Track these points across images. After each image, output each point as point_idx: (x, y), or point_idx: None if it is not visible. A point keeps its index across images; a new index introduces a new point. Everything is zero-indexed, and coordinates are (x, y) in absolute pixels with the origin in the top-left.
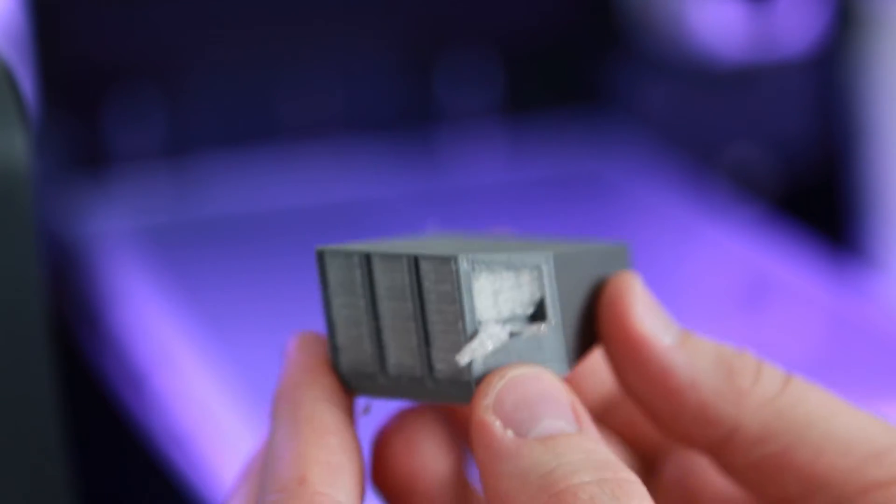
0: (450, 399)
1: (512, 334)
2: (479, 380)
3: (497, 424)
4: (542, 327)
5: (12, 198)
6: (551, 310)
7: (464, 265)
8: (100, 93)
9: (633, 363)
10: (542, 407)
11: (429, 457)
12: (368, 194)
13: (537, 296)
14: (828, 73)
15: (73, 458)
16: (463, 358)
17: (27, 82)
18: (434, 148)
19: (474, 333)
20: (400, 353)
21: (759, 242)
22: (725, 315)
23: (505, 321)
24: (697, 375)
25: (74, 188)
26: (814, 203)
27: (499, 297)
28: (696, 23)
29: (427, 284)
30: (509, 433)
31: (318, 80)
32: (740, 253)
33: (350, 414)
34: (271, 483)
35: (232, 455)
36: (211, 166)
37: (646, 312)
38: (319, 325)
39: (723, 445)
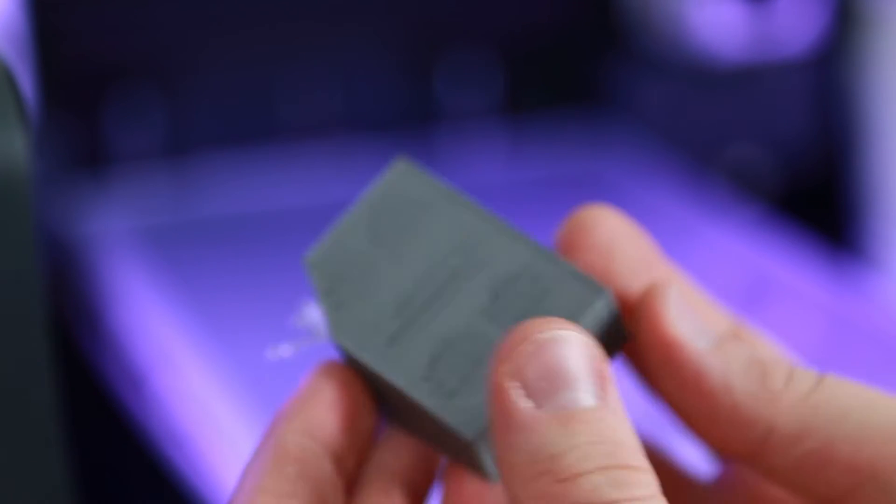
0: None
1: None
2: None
3: (515, 392)
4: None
5: (12, 198)
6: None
7: (310, 260)
8: (100, 93)
9: (666, 367)
10: (564, 378)
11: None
12: None
13: None
14: (828, 73)
15: (73, 458)
16: (299, 319)
17: (27, 82)
18: (434, 148)
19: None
20: None
21: (759, 242)
22: None
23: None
24: (730, 378)
25: (74, 188)
26: (814, 203)
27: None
28: (696, 23)
29: None
30: (527, 403)
31: (318, 80)
32: (740, 253)
33: (330, 446)
34: None
35: (231, 455)
36: (211, 166)
37: (679, 317)
38: None
39: (760, 448)
